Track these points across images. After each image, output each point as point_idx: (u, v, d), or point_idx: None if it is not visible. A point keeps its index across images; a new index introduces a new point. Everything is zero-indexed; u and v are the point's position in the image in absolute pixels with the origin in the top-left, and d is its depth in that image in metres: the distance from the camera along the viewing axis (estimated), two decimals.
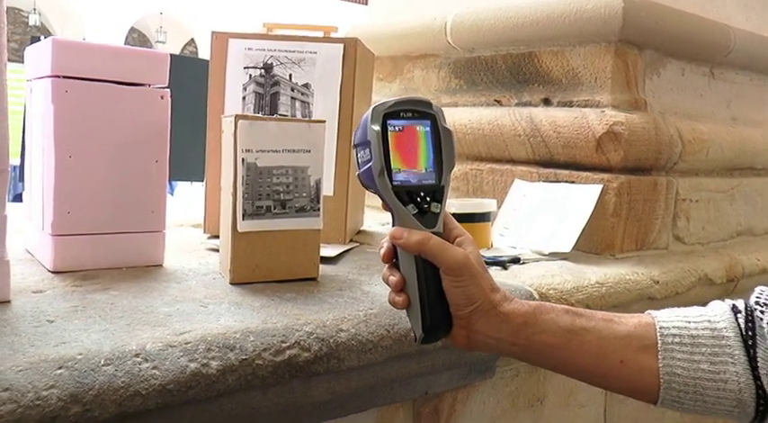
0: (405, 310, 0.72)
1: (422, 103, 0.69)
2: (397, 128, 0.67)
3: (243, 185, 0.91)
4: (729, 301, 0.71)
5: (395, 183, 0.67)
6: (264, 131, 0.92)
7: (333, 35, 1.37)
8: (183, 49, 19.82)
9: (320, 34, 1.37)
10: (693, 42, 1.58)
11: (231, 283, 0.95)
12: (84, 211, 0.99)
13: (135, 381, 0.65)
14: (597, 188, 1.36)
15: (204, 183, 1.29)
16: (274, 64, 1.26)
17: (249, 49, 1.27)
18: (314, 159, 0.96)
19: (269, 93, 1.25)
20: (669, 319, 0.71)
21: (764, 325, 0.66)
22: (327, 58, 1.27)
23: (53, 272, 0.97)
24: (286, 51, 1.27)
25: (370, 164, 0.67)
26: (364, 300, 0.91)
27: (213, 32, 1.29)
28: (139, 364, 0.66)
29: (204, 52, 17.73)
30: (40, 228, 1.03)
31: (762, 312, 0.67)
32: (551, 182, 1.46)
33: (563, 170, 1.46)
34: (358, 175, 0.69)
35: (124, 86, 1.00)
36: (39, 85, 1.02)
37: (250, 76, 1.26)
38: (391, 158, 0.67)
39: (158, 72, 1.03)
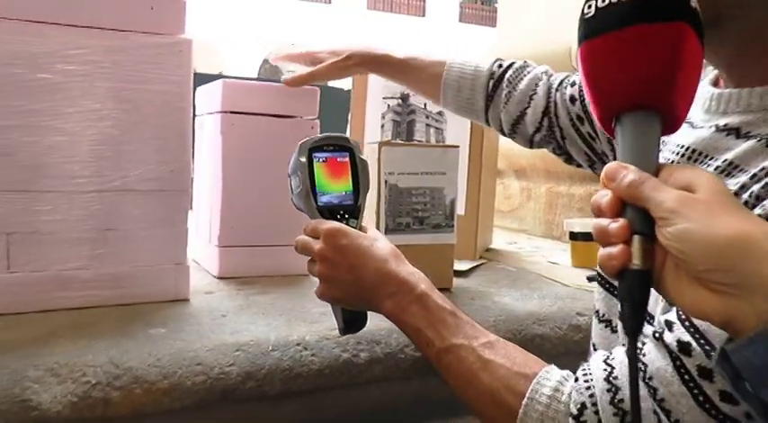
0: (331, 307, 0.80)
1: (341, 139, 0.81)
2: (321, 159, 0.79)
3: (386, 204, 1.03)
4: (496, 61, 1.03)
5: (319, 204, 0.78)
6: (405, 156, 1.03)
7: None
8: None
9: None
10: None
11: None
12: (245, 227, 1.14)
13: (297, 364, 0.77)
14: None
15: None
16: (410, 94, 1.38)
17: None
18: (449, 181, 1.06)
19: (405, 120, 1.37)
20: (460, 61, 1.03)
21: (505, 82, 1.00)
22: None
23: (218, 277, 1.12)
24: None
25: (300, 188, 0.78)
26: (493, 308, 0.99)
27: None
28: (300, 352, 0.78)
29: (333, 81, 18.41)
30: (206, 240, 1.19)
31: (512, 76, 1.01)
32: None
33: None
34: (291, 199, 0.81)
35: (280, 119, 1.15)
36: (209, 119, 1.19)
37: (388, 105, 1.38)
38: (317, 184, 0.78)
39: (309, 105, 1.17)
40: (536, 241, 1.76)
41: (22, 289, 0.89)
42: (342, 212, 0.79)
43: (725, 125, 0.60)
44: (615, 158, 0.72)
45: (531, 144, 1.01)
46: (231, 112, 1.12)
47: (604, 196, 0.46)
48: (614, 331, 0.73)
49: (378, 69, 1.12)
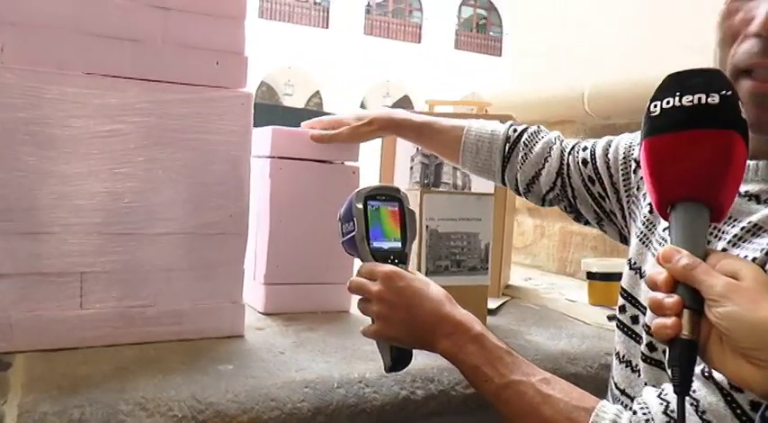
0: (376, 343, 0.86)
1: (393, 190, 0.88)
2: (374, 207, 0.86)
3: (426, 248, 1.10)
4: (511, 126, 1.14)
5: (372, 247, 0.84)
6: (444, 203, 1.11)
7: (487, 110, 1.56)
8: (308, 101, 20.72)
9: (474, 109, 1.56)
10: None
11: None
12: (289, 265, 1.21)
13: (361, 401, 0.84)
14: None
15: None
16: None
17: None
18: (483, 226, 1.14)
19: (433, 163, 1.45)
20: (477, 126, 1.14)
21: (521, 145, 1.10)
22: None
23: (264, 313, 1.19)
24: None
25: (353, 233, 0.85)
26: (528, 347, 1.06)
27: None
28: (363, 389, 0.85)
29: (328, 105, 18.55)
30: (252, 278, 1.25)
31: (527, 140, 1.11)
32: None
33: None
34: (342, 242, 0.87)
35: (324, 164, 1.23)
36: (257, 162, 1.26)
37: (417, 148, 1.46)
38: (369, 229, 0.85)
39: (351, 152, 1.25)
40: (550, 278, 1.84)
41: (93, 325, 0.95)
42: (392, 257, 0.85)
43: (746, 192, 0.70)
44: (624, 218, 0.85)
45: (543, 202, 1.10)
46: (279, 158, 1.20)
47: (660, 274, 0.55)
48: (634, 371, 0.81)
49: (399, 132, 1.23)
